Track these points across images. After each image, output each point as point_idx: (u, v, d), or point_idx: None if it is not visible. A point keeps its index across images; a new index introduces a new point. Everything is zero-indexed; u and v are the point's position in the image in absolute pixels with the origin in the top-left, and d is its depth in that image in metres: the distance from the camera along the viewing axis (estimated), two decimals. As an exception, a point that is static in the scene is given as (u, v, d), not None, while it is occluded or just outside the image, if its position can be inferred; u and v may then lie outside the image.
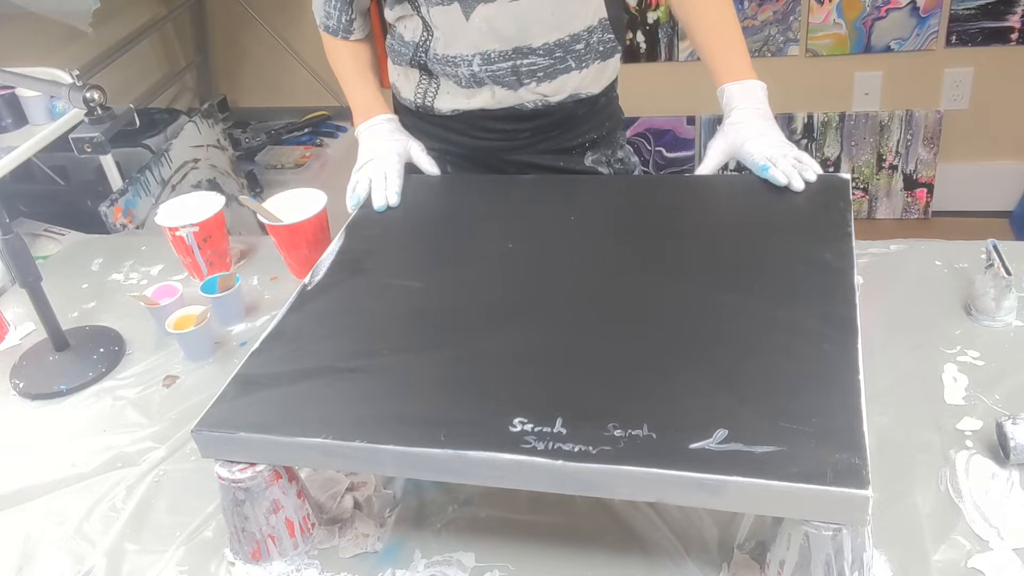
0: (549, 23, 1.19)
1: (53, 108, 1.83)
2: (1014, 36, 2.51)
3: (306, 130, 3.05)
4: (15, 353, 1.28)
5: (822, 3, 2.56)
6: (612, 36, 1.27)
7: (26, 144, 1.70)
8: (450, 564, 0.86)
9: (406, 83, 1.34)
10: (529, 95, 1.25)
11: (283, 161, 2.90)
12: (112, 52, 2.64)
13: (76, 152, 1.10)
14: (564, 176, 1.33)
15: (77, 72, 1.17)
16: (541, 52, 1.21)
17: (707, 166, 1.15)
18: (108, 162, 2.11)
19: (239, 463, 0.84)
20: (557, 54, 1.22)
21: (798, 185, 1.07)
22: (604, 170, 1.37)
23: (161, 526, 0.96)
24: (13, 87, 1.76)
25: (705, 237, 1.03)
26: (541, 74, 1.24)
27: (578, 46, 1.23)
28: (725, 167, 1.18)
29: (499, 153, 1.33)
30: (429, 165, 1.27)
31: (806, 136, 2.75)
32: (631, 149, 1.45)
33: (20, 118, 1.83)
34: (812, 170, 1.09)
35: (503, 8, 1.16)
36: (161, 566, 0.91)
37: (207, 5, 3.06)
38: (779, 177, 1.07)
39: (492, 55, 1.21)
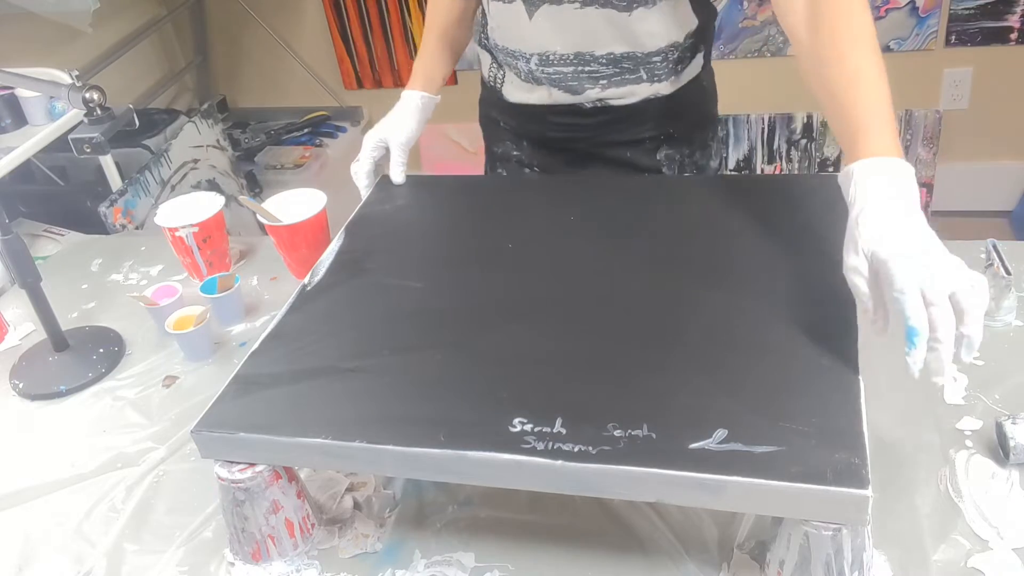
0: (616, 35, 1.14)
1: (52, 109, 1.84)
2: (1013, 36, 2.51)
3: (305, 130, 3.05)
4: (15, 354, 1.28)
5: (822, 3, 2.56)
6: (693, 41, 1.19)
7: (26, 144, 1.71)
8: (450, 564, 0.86)
9: (484, 61, 1.31)
10: (589, 100, 1.22)
11: (283, 161, 2.90)
12: (112, 52, 2.64)
13: (76, 152, 1.10)
14: (564, 176, 1.33)
15: (76, 72, 1.16)
16: (604, 61, 1.17)
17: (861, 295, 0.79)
18: (108, 162, 2.11)
19: (239, 463, 0.84)
20: (624, 64, 1.17)
21: (939, 380, 0.74)
22: (671, 169, 1.28)
23: (161, 526, 0.96)
24: (13, 87, 1.76)
25: (705, 237, 1.02)
26: (605, 81, 1.19)
27: (655, 58, 1.17)
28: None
29: (564, 143, 1.30)
30: (397, 173, 1.23)
31: (805, 136, 2.75)
32: (716, 151, 1.33)
33: (20, 118, 1.83)
34: (969, 348, 0.73)
35: (567, 11, 1.12)
36: (161, 566, 0.91)
37: (207, 5, 3.06)
38: (916, 365, 0.73)
39: (551, 57, 1.17)
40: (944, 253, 0.75)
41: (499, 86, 1.31)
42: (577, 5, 1.12)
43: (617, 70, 1.18)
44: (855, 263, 0.78)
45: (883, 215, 0.77)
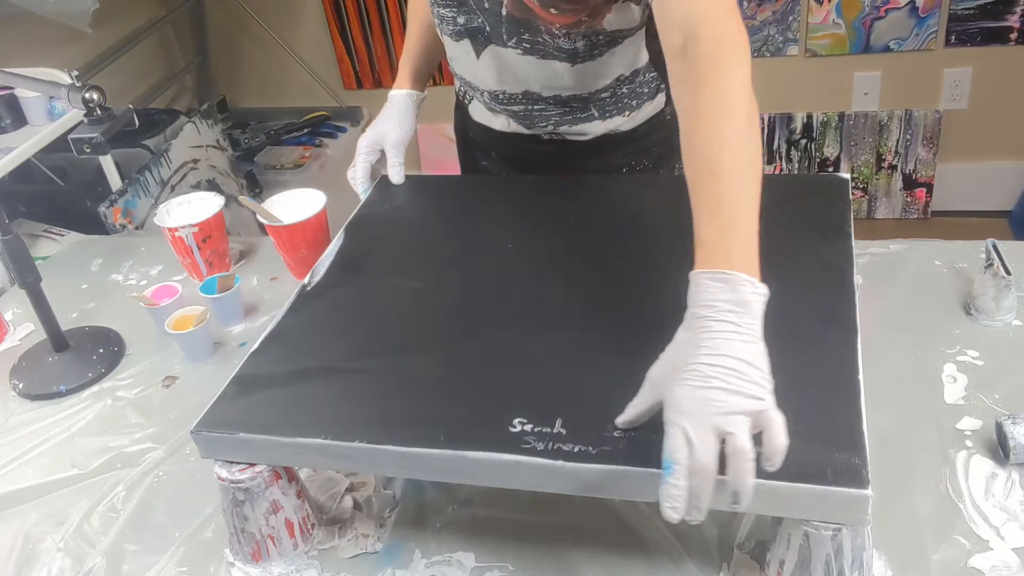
0: (560, 84, 1.13)
1: (52, 109, 1.84)
2: (1013, 36, 2.51)
3: (305, 130, 3.05)
4: (15, 354, 1.28)
5: (821, 3, 2.56)
6: (655, 75, 1.18)
7: (25, 144, 1.71)
8: (450, 564, 0.86)
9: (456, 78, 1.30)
10: (545, 133, 1.22)
11: (282, 161, 2.90)
12: (111, 53, 2.64)
13: (75, 153, 1.10)
14: (564, 176, 1.32)
15: (76, 73, 1.16)
16: (552, 101, 1.16)
17: (628, 413, 0.74)
18: (107, 163, 2.11)
19: (239, 463, 0.84)
20: (573, 104, 1.17)
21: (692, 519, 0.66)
22: None
23: (161, 527, 0.96)
24: (13, 87, 1.76)
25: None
26: (556, 119, 1.19)
27: (604, 94, 1.16)
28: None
29: (529, 165, 1.29)
30: (395, 174, 1.23)
31: (805, 136, 2.75)
32: None
33: (19, 119, 1.83)
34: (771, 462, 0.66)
35: (510, 54, 1.11)
36: (161, 566, 0.91)
37: (206, 6, 3.05)
38: (666, 505, 0.66)
39: (501, 96, 1.17)
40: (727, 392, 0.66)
41: (467, 103, 1.31)
42: (519, 52, 1.10)
43: (566, 109, 1.18)
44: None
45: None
